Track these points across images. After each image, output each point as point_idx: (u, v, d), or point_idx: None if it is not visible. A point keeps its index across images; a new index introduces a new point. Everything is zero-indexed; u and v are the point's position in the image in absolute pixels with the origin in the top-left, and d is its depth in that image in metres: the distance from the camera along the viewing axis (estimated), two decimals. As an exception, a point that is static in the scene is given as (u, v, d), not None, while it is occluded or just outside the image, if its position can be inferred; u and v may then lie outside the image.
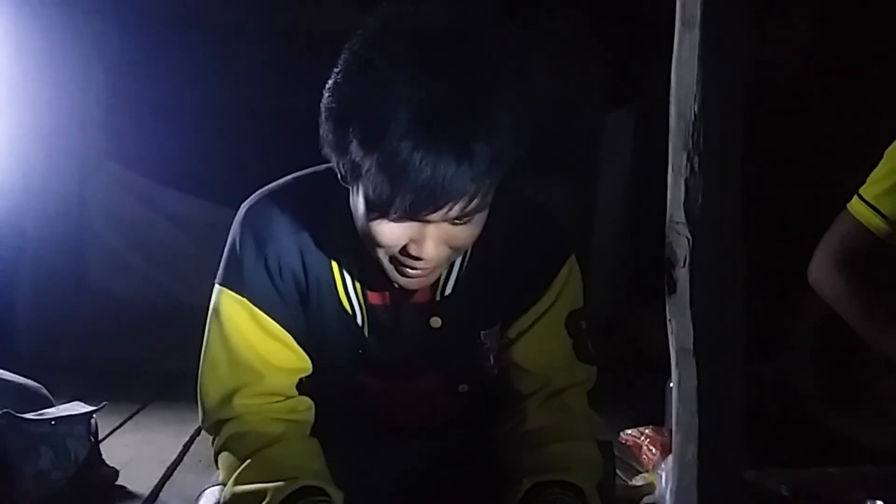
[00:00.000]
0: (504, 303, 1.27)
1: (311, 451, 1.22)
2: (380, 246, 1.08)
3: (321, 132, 1.06)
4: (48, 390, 1.99)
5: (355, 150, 1.01)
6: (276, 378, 1.21)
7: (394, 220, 1.04)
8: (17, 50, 3.25)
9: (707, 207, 1.32)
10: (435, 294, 1.24)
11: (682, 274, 1.34)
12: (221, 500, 1.18)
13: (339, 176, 1.09)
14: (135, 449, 2.19)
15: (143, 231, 3.70)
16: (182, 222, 3.72)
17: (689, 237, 1.33)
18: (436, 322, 1.25)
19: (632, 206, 3.99)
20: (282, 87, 3.66)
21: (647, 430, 2.20)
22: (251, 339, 1.19)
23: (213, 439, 1.24)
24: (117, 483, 1.88)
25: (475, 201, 1.02)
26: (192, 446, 2.27)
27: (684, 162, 1.32)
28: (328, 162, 1.10)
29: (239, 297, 1.19)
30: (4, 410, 1.66)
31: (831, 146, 3.03)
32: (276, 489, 1.12)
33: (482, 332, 1.28)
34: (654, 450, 2.12)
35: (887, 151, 1.56)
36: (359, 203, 1.07)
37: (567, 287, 1.27)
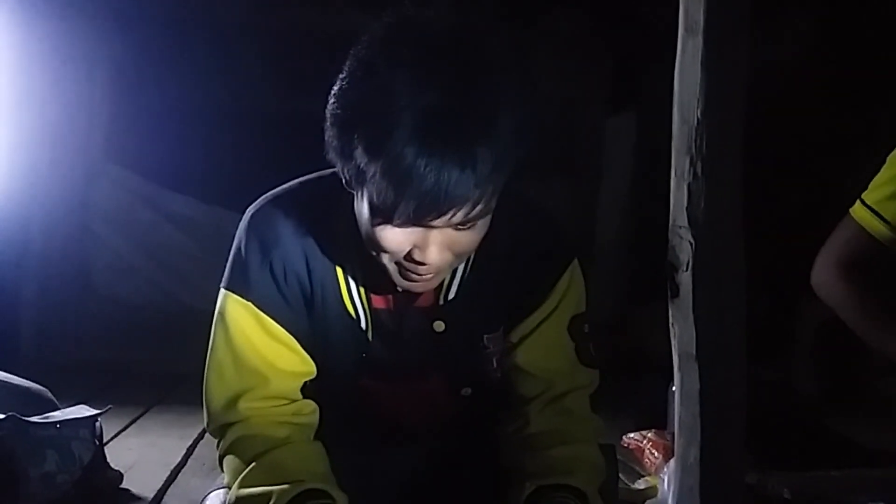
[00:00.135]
0: (507, 307, 1.27)
1: (316, 455, 1.23)
2: (384, 251, 1.09)
3: (326, 138, 1.07)
4: (52, 393, 2.00)
5: (360, 156, 1.01)
6: (281, 381, 1.22)
7: (398, 226, 1.04)
8: (21, 54, 3.25)
9: (710, 212, 1.33)
10: (438, 298, 1.24)
11: (685, 278, 1.35)
12: (227, 503, 1.19)
13: (343, 181, 1.09)
14: (139, 452, 2.20)
15: (147, 234, 3.71)
16: (186, 225, 3.72)
17: (692, 241, 1.33)
18: (439, 326, 1.25)
19: (633, 210, 4.00)
20: (286, 90, 3.67)
21: (649, 434, 2.20)
22: (256, 342, 1.20)
23: (218, 442, 1.24)
24: (122, 486, 1.88)
25: (478, 207, 1.03)
26: (196, 449, 2.27)
27: (687, 166, 1.33)
28: (333, 165, 1.10)
29: (244, 301, 1.20)
30: (10, 414, 1.66)
31: (833, 151, 3.03)
32: (281, 492, 1.12)
33: (485, 336, 1.28)
34: (656, 453, 2.12)
35: (890, 156, 1.56)
36: (363, 208, 1.07)
37: (570, 291, 1.28)
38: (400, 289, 1.17)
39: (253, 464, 1.17)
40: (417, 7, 1.07)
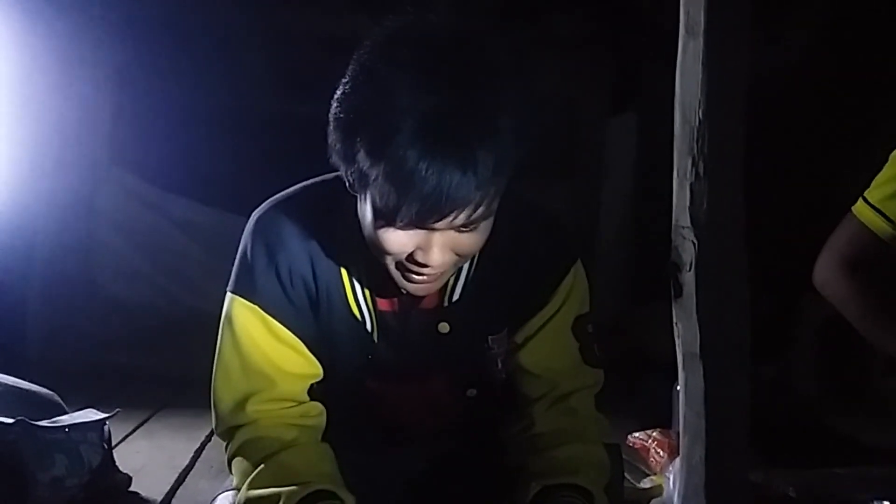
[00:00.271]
0: (511, 308, 1.28)
1: (323, 456, 1.23)
2: (387, 253, 1.09)
3: (330, 141, 1.08)
4: (59, 398, 2.00)
5: (363, 160, 1.02)
6: (288, 384, 1.23)
7: (400, 228, 1.05)
8: (25, 59, 3.26)
9: (712, 212, 1.33)
10: (443, 300, 1.25)
11: (688, 278, 1.36)
12: (236, 505, 1.20)
13: (347, 184, 1.10)
14: (146, 455, 2.20)
15: (152, 238, 3.72)
16: (190, 229, 3.73)
17: (695, 241, 1.34)
18: (444, 327, 1.26)
19: (635, 210, 4.00)
20: (290, 94, 3.68)
21: (654, 433, 2.21)
22: (263, 345, 1.21)
23: (227, 445, 1.25)
24: (130, 489, 1.89)
25: (480, 209, 1.04)
26: (204, 452, 2.28)
27: (689, 167, 1.34)
28: (337, 169, 1.11)
29: (251, 304, 1.21)
30: (19, 418, 1.67)
31: (835, 150, 3.04)
32: (289, 493, 1.13)
33: (490, 337, 1.29)
34: (661, 452, 2.13)
35: (892, 155, 1.57)
36: (366, 211, 1.08)
37: (573, 292, 1.28)
38: (404, 291, 1.18)
39: (261, 466, 1.18)
40: (419, 11, 1.08)
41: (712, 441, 1.38)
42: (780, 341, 2.91)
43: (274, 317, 1.21)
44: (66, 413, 1.89)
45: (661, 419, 2.21)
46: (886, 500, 1.54)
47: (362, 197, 1.09)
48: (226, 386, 1.23)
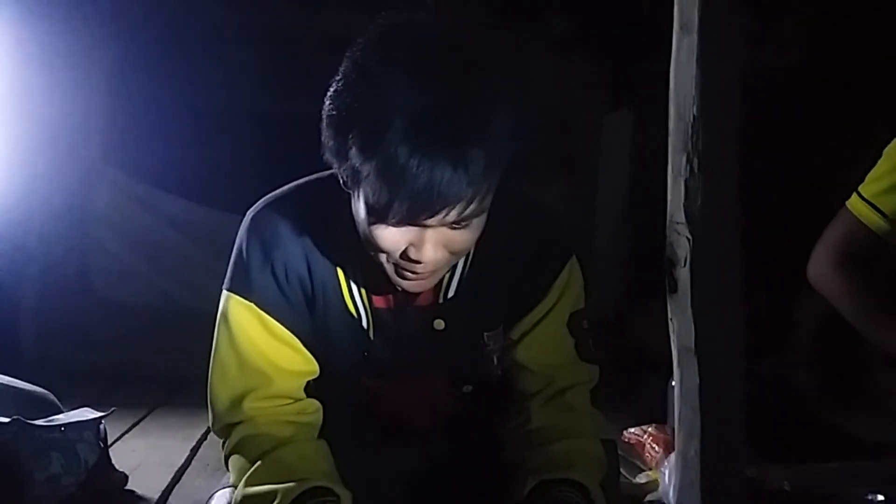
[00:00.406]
0: (507, 304, 1.29)
1: (320, 453, 1.24)
2: (380, 250, 1.10)
3: (322, 139, 1.08)
4: (54, 397, 2.00)
5: (355, 157, 1.02)
6: (285, 381, 1.23)
7: (393, 225, 1.06)
8: (19, 58, 3.26)
9: (707, 208, 1.34)
10: (438, 297, 1.25)
11: (683, 273, 1.36)
12: (232, 502, 1.20)
13: (341, 181, 1.11)
14: (142, 454, 2.20)
15: (146, 237, 3.71)
16: (185, 228, 3.73)
17: (690, 237, 1.34)
18: (439, 324, 1.27)
19: (631, 207, 4.00)
20: (283, 92, 3.68)
21: (649, 429, 2.21)
22: (259, 343, 1.21)
23: (224, 442, 1.25)
24: (127, 488, 1.89)
25: (472, 206, 1.04)
26: (200, 450, 2.28)
27: (684, 163, 1.34)
28: (330, 167, 1.11)
29: (246, 302, 1.21)
30: (15, 417, 1.67)
31: (830, 145, 3.04)
32: (286, 490, 1.13)
33: (485, 334, 1.29)
34: (657, 448, 2.13)
35: (886, 150, 1.57)
36: (360, 208, 1.09)
37: (568, 288, 1.29)
38: (400, 288, 1.18)
39: (258, 463, 1.18)
40: (412, 8, 1.08)
41: (707, 436, 1.38)
42: (776, 336, 2.92)
43: (270, 314, 1.21)
44: (61, 412, 1.89)
45: (657, 414, 2.21)
46: (881, 494, 1.54)
47: (355, 194, 1.09)
48: (222, 383, 1.23)
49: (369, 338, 1.26)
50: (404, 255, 1.09)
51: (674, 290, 1.38)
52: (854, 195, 1.58)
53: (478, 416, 1.37)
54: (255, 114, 3.79)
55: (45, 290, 3.47)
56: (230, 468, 1.24)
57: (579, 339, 1.30)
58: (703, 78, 1.31)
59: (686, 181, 1.33)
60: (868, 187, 1.56)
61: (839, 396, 2.60)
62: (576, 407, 1.29)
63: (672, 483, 1.58)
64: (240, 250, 1.23)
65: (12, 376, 1.95)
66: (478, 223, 1.10)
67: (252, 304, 1.21)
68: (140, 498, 1.88)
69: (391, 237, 1.07)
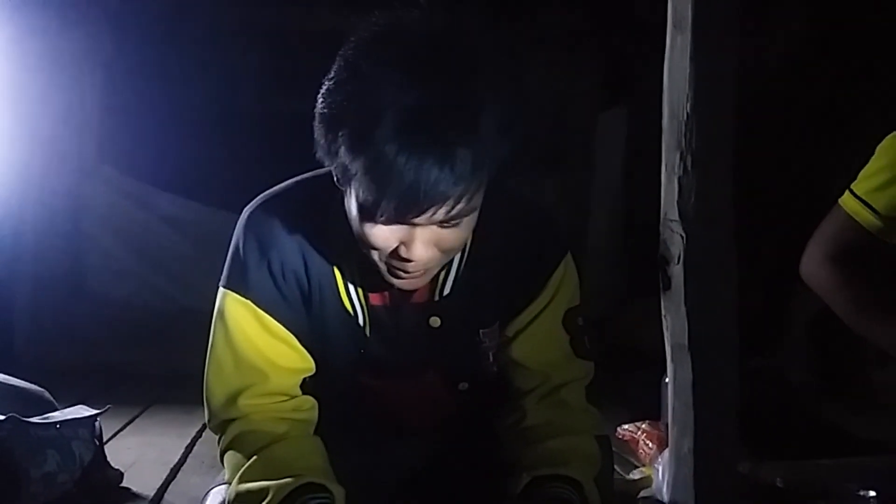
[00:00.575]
0: (502, 302, 1.29)
1: (314, 449, 1.24)
2: (372, 248, 1.10)
3: (315, 137, 1.09)
4: (49, 394, 2.00)
5: (344, 155, 1.03)
6: (281, 378, 1.24)
7: (382, 223, 1.06)
8: (13, 55, 3.25)
9: (700, 205, 1.35)
10: (434, 294, 1.26)
11: (677, 271, 1.37)
12: (227, 499, 1.21)
13: (335, 179, 1.11)
14: (138, 451, 2.20)
15: (141, 235, 3.70)
16: (179, 225, 3.72)
17: (683, 235, 1.35)
18: (435, 322, 1.27)
19: (625, 204, 4.01)
20: (279, 90, 3.67)
21: (643, 425, 2.21)
22: (256, 340, 1.22)
23: (220, 439, 1.26)
24: (122, 485, 1.89)
25: (460, 205, 1.04)
26: (195, 448, 2.28)
27: (677, 161, 1.35)
28: (323, 164, 1.12)
29: (243, 299, 1.21)
30: (10, 415, 1.67)
31: (823, 142, 3.05)
32: (279, 486, 1.14)
33: (481, 331, 1.30)
34: (650, 444, 2.14)
35: (878, 148, 1.58)
36: (351, 206, 1.09)
37: (563, 285, 1.29)
38: (397, 286, 1.19)
39: (252, 459, 1.18)
40: (405, 7, 1.09)
41: (701, 432, 1.39)
42: (770, 333, 2.93)
43: (266, 311, 1.21)
44: (56, 409, 1.88)
45: (651, 411, 2.21)
46: (872, 490, 1.55)
47: (347, 192, 1.09)
48: (218, 380, 1.24)
49: (365, 335, 1.27)
50: (395, 253, 1.10)
51: (668, 287, 1.39)
52: (847, 193, 1.59)
53: (473, 413, 1.37)
54: (251, 111, 3.79)
55: (39, 288, 3.46)
56: (226, 465, 1.24)
57: (574, 336, 1.30)
58: (696, 76, 1.32)
59: (680, 179, 1.35)
60: (861, 185, 1.57)
61: (832, 393, 2.62)
62: (571, 403, 1.29)
63: (666, 479, 1.59)
64: (236, 248, 1.24)
65: (7, 374, 1.95)
66: (468, 222, 1.11)
67: (249, 302, 1.21)
68: (135, 495, 1.87)
69: (381, 235, 1.08)
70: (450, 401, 1.36)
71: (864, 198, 1.56)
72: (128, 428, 2.47)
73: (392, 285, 1.19)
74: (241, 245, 1.23)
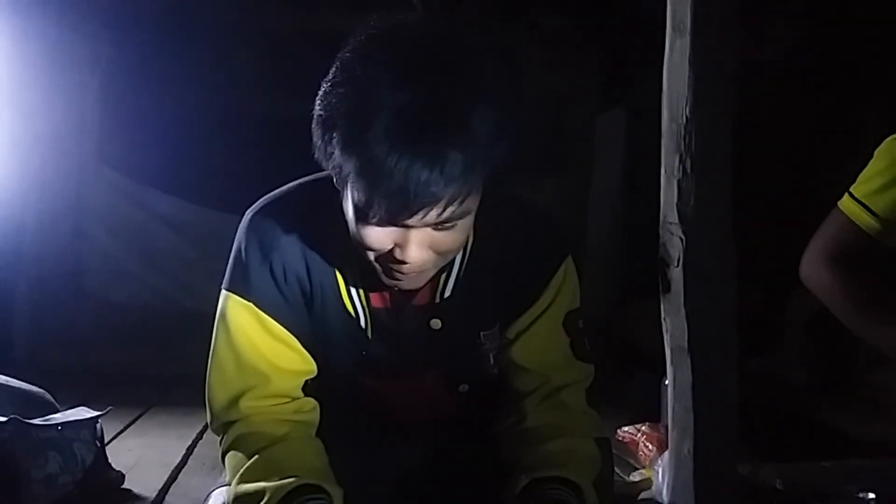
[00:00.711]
0: (503, 304, 1.29)
1: (314, 451, 1.24)
2: (367, 249, 1.11)
3: (313, 139, 1.09)
4: (51, 396, 2.00)
5: (338, 156, 1.03)
6: (282, 380, 1.24)
7: (376, 225, 1.06)
8: (13, 56, 3.26)
9: (699, 208, 1.35)
10: (435, 296, 1.26)
11: (676, 273, 1.37)
12: (227, 500, 1.21)
13: (334, 181, 1.12)
14: (139, 453, 2.21)
15: (140, 236, 3.71)
16: (179, 227, 3.73)
17: (683, 237, 1.36)
18: (436, 324, 1.27)
19: (624, 207, 4.01)
20: (279, 92, 3.67)
21: (643, 427, 2.22)
22: (257, 342, 1.22)
23: (221, 440, 1.26)
24: (123, 487, 1.90)
25: (451, 207, 1.04)
26: (196, 449, 2.28)
27: (677, 164, 1.35)
28: (320, 166, 1.12)
29: (245, 301, 1.22)
30: (11, 416, 1.67)
31: (822, 146, 3.06)
32: (276, 487, 1.14)
33: (482, 333, 1.30)
34: (650, 446, 2.14)
35: (877, 151, 1.59)
36: (348, 207, 1.10)
37: (564, 287, 1.29)
38: (396, 287, 1.19)
39: (251, 460, 1.19)
40: (403, 10, 1.09)
41: (700, 434, 1.40)
42: (769, 335, 2.93)
43: (268, 314, 1.22)
44: (58, 411, 1.89)
45: (650, 413, 2.21)
46: (872, 492, 1.55)
47: (344, 193, 1.10)
48: (220, 382, 1.24)
49: (367, 337, 1.27)
50: (390, 255, 1.10)
51: (667, 289, 1.40)
52: (846, 195, 1.59)
53: (474, 414, 1.37)
54: (251, 114, 3.79)
55: (39, 290, 3.47)
56: (227, 466, 1.24)
57: (575, 338, 1.30)
58: (695, 79, 1.32)
59: (679, 182, 1.35)
60: (860, 188, 1.58)
61: (832, 395, 2.62)
62: (571, 406, 1.29)
63: (665, 481, 1.59)
64: (239, 250, 1.24)
65: (7, 376, 1.95)
66: (464, 224, 1.11)
67: (251, 304, 1.22)
68: (137, 497, 1.88)
69: (377, 236, 1.08)
70: (450, 402, 1.37)
71: (862, 200, 1.56)
72: (129, 429, 2.48)
73: (393, 287, 1.19)
74: (243, 248, 1.23)
